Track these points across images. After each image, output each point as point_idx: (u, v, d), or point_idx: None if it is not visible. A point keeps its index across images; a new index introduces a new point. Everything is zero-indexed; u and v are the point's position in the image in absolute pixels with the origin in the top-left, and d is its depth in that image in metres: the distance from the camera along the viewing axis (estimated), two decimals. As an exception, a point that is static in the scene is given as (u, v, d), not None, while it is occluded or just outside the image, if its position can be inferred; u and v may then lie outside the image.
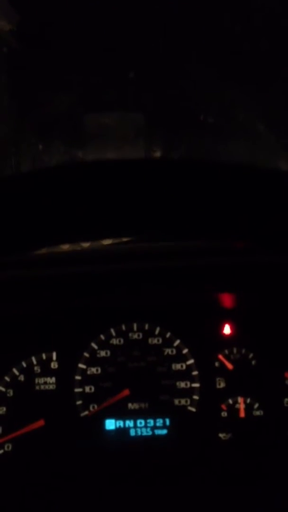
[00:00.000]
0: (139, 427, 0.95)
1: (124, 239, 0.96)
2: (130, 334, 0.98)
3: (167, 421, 0.95)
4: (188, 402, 0.96)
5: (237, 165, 0.52)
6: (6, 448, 0.92)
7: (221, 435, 0.94)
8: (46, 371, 0.96)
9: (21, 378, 0.95)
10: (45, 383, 0.95)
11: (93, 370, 0.96)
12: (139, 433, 0.95)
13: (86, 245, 0.99)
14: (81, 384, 0.95)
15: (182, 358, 0.98)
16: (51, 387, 0.95)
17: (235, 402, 0.95)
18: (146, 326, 0.99)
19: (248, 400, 0.95)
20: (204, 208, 0.58)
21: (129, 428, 0.95)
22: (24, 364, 0.96)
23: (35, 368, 0.96)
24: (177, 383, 0.96)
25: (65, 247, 0.94)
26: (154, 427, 0.95)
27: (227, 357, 0.98)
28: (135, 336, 0.98)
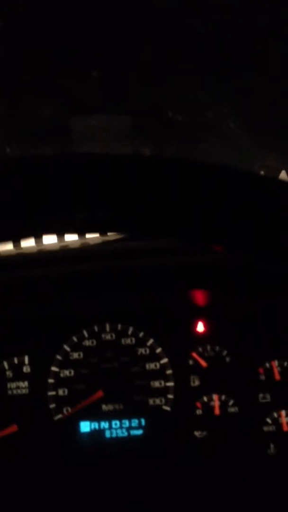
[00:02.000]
0: (114, 428, 0.94)
1: (92, 238, 0.96)
2: (102, 335, 0.98)
3: (143, 421, 0.95)
4: (163, 402, 0.95)
5: (216, 165, 0.52)
6: None
7: (196, 433, 0.94)
8: (19, 376, 0.95)
9: None
10: (18, 387, 0.94)
11: (66, 372, 0.95)
12: (114, 434, 0.94)
13: (55, 246, 0.98)
14: (54, 387, 0.94)
15: (156, 358, 0.97)
16: (24, 391, 0.94)
17: (210, 399, 0.95)
18: (119, 327, 0.98)
19: (223, 397, 0.95)
20: (178, 208, 0.58)
21: (104, 429, 0.94)
22: None
23: (7, 372, 0.95)
24: (151, 383, 0.96)
25: (33, 247, 0.93)
26: (130, 428, 0.94)
27: (201, 355, 0.97)
28: (108, 337, 0.98)
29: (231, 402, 0.95)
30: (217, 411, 0.94)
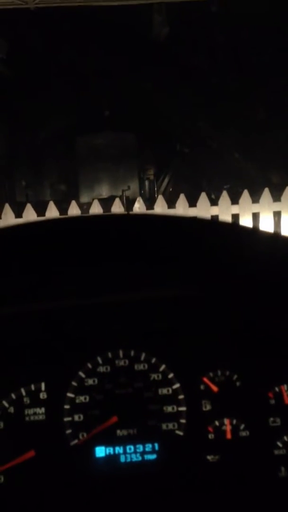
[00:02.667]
0: (129, 453, 0.96)
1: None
2: (116, 361, 1.01)
3: (156, 446, 0.97)
4: (176, 426, 0.98)
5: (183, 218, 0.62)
6: None
7: (209, 457, 0.96)
8: (35, 402, 0.98)
9: (11, 410, 0.97)
10: (35, 413, 0.97)
11: (82, 398, 0.98)
12: (129, 459, 0.96)
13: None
14: (70, 413, 0.97)
15: (168, 383, 1.00)
16: (40, 417, 0.97)
17: (222, 424, 0.97)
18: (132, 353, 1.01)
19: (234, 421, 0.98)
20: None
21: (119, 454, 0.96)
22: (13, 396, 0.98)
23: (25, 399, 0.98)
24: (164, 408, 0.98)
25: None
26: (144, 452, 0.97)
27: (212, 380, 1.00)
28: (122, 363, 1.01)
29: (242, 426, 0.97)
30: (228, 435, 0.97)
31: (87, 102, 9.31)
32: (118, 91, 9.03)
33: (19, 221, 5.28)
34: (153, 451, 0.97)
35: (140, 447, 0.97)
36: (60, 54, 9.01)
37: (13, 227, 0.66)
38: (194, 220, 0.81)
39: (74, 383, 0.99)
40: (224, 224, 0.87)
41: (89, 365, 1.00)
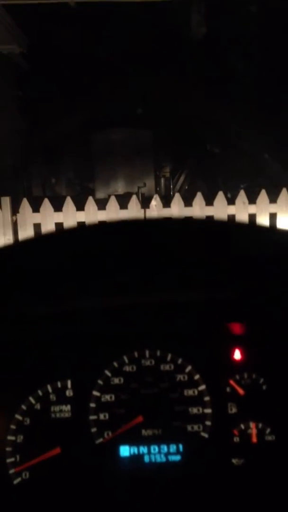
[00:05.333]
0: (153, 454, 0.96)
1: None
2: (142, 361, 1.01)
3: (181, 447, 0.97)
4: (201, 428, 0.97)
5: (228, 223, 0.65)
6: (23, 476, 0.94)
7: (234, 460, 0.95)
8: (62, 399, 0.98)
9: (37, 406, 0.97)
10: (61, 411, 0.97)
11: (107, 397, 0.98)
12: (153, 459, 0.96)
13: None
14: (96, 411, 0.97)
15: (194, 384, 0.99)
16: (66, 415, 0.97)
17: (247, 427, 0.97)
18: (158, 353, 1.01)
19: (260, 425, 0.97)
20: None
21: (143, 454, 0.96)
22: (40, 393, 0.98)
23: (51, 396, 0.98)
24: (190, 409, 0.98)
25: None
26: (168, 453, 0.96)
27: (238, 382, 0.99)
28: (148, 362, 1.00)
29: (268, 430, 0.97)
30: (254, 439, 0.96)
31: (106, 98, 9.31)
32: (139, 88, 9.02)
33: (37, 216, 5.30)
34: (177, 452, 0.97)
35: (164, 448, 0.97)
36: (80, 49, 9.03)
37: (58, 232, 0.70)
38: (228, 224, 0.83)
39: (100, 382, 0.99)
40: (255, 227, 0.88)
41: (115, 364, 1.00)
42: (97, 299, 0.92)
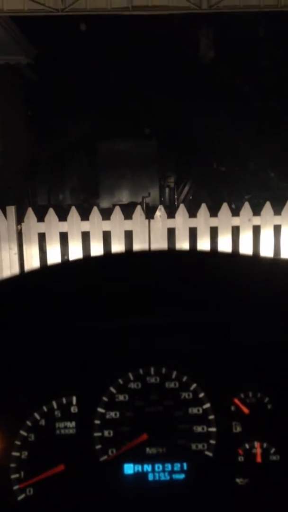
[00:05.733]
0: (157, 472, 0.96)
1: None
2: (147, 378, 1.01)
3: (185, 466, 0.97)
4: (205, 447, 0.97)
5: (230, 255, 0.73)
6: (28, 493, 0.94)
7: (238, 480, 0.95)
8: (66, 416, 0.98)
9: (42, 422, 0.98)
10: (65, 427, 0.97)
11: (112, 414, 0.98)
12: (157, 477, 0.96)
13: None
14: (100, 428, 0.97)
15: (199, 402, 0.99)
16: (71, 431, 0.97)
17: (252, 446, 0.97)
18: (163, 370, 1.01)
19: (265, 445, 0.97)
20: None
21: (147, 472, 0.96)
22: (45, 409, 0.98)
23: (56, 412, 0.98)
24: (194, 427, 0.98)
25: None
26: (172, 472, 0.96)
27: (243, 401, 0.99)
28: (153, 380, 1.01)
29: (272, 450, 0.96)
30: (259, 458, 0.96)
31: (112, 109, 9.37)
32: (145, 100, 9.09)
33: (41, 225, 5.32)
34: (181, 471, 0.96)
35: (168, 466, 0.96)
36: (87, 61, 9.11)
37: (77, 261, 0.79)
38: (231, 257, 0.91)
39: (105, 399, 0.99)
40: (244, 257, 0.95)
41: (120, 381, 1.00)
42: (104, 320, 0.93)
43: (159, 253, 0.92)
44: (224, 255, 0.95)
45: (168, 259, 0.89)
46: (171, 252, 0.90)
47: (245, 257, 0.94)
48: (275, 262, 0.95)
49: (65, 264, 0.93)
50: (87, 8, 6.07)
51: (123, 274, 0.86)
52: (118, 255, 0.92)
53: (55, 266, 0.88)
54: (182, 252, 0.91)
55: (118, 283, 0.84)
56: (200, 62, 9.01)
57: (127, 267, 0.87)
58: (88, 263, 0.87)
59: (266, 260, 0.93)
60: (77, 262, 0.91)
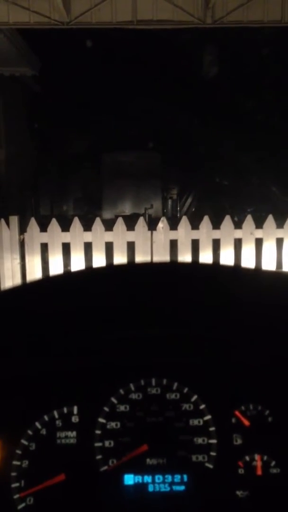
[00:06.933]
0: (157, 483, 0.96)
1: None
2: (148, 389, 1.01)
3: (185, 477, 0.96)
4: (206, 459, 0.97)
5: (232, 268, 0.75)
6: (28, 502, 0.94)
7: (238, 492, 0.95)
8: (67, 425, 0.98)
9: (43, 432, 0.98)
10: (66, 437, 0.98)
11: (113, 424, 0.99)
12: (157, 488, 0.96)
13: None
14: (101, 438, 0.98)
15: (200, 414, 1.00)
16: (72, 441, 0.98)
17: (252, 459, 0.97)
18: (164, 381, 1.01)
19: (265, 458, 0.97)
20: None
21: (147, 483, 0.96)
22: (46, 418, 0.99)
23: (57, 422, 0.99)
24: (195, 439, 0.98)
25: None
26: (172, 483, 0.96)
27: (243, 414, 1.00)
28: (154, 391, 1.01)
29: (273, 463, 0.96)
30: (259, 471, 0.96)
31: (116, 121, 9.45)
32: (148, 113, 9.18)
33: (44, 235, 5.34)
34: (181, 483, 0.96)
35: (169, 478, 0.96)
36: (91, 73, 9.21)
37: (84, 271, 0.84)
38: (234, 270, 0.92)
39: (106, 409, 0.99)
40: (247, 271, 0.96)
41: (122, 392, 1.00)
42: (106, 331, 0.94)
43: (162, 266, 0.93)
44: (227, 268, 0.95)
45: (171, 272, 0.90)
46: (175, 265, 0.91)
47: (248, 270, 0.95)
48: (278, 276, 0.96)
49: (69, 275, 0.93)
50: (92, 21, 6.15)
51: (125, 286, 0.87)
52: (121, 267, 0.92)
53: (58, 277, 0.89)
54: (185, 265, 0.92)
55: (120, 295, 0.85)
56: (204, 76, 9.12)
57: (129, 280, 0.88)
58: (92, 274, 0.88)
59: (268, 274, 0.94)
60: (80, 273, 0.91)
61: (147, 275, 0.88)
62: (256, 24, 6.46)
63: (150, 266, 0.89)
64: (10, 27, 7.02)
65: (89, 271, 0.91)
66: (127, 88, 9.23)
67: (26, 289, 0.90)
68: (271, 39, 8.11)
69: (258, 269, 0.96)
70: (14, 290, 0.92)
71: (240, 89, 9.30)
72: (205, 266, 0.90)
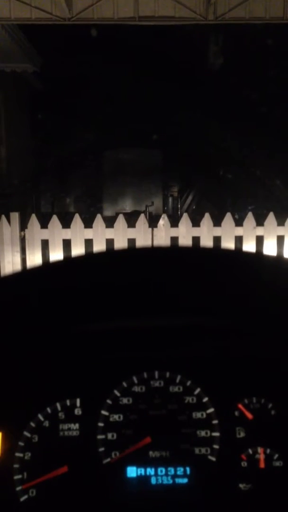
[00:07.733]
0: (160, 475, 0.96)
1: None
2: (151, 382, 1.01)
3: (188, 470, 0.96)
4: (208, 451, 0.97)
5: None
6: (30, 494, 0.94)
7: (241, 485, 0.95)
8: (70, 417, 0.98)
9: (46, 424, 0.98)
10: (69, 429, 0.98)
11: (116, 417, 0.99)
12: (160, 481, 0.96)
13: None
14: (104, 431, 0.98)
15: (203, 407, 0.99)
16: (74, 433, 0.97)
17: (255, 452, 0.97)
18: (167, 374, 1.01)
19: (268, 451, 0.97)
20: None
21: (150, 476, 0.96)
22: (49, 410, 0.98)
23: (60, 414, 0.98)
24: (198, 432, 0.98)
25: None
26: (175, 476, 0.96)
27: (247, 407, 0.99)
28: (157, 384, 1.01)
29: (276, 456, 0.96)
30: (262, 464, 0.96)
31: (117, 118, 9.44)
32: (149, 110, 9.17)
33: (45, 232, 5.34)
34: (184, 475, 0.96)
35: (171, 470, 0.96)
36: (93, 70, 9.20)
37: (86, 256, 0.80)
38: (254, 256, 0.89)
39: (108, 401, 0.99)
40: (267, 258, 0.93)
41: (125, 384, 1.00)
42: (108, 322, 0.93)
43: (166, 253, 0.90)
44: (229, 252, 0.93)
45: (175, 260, 0.88)
46: (178, 251, 0.87)
47: (256, 258, 0.93)
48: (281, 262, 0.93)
49: (68, 261, 0.90)
50: (94, 17, 6.14)
51: (128, 275, 0.86)
52: (123, 253, 0.89)
53: (57, 263, 0.87)
54: (191, 252, 0.88)
55: (123, 285, 0.84)
56: (205, 72, 9.10)
57: (133, 269, 0.87)
58: (93, 261, 0.86)
59: (271, 259, 0.91)
60: (81, 258, 0.88)
61: (152, 265, 0.86)
62: (258, 20, 6.44)
63: (154, 253, 0.87)
64: (12, 23, 7.00)
65: (91, 257, 0.89)
66: (129, 85, 9.22)
67: (25, 276, 0.88)
68: (278, 34, 8.09)
69: (272, 258, 0.92)
70: (12, 278, 0.90)
71: (243, 83, 9.29)
72: (206, 249, 0.88)
